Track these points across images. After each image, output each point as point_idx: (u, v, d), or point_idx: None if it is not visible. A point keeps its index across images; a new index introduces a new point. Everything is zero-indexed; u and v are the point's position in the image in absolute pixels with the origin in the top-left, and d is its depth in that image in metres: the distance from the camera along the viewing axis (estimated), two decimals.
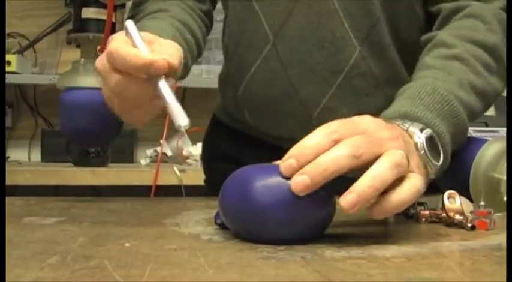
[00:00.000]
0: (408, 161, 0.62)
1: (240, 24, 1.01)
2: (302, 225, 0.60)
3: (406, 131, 0.69)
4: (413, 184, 0.61)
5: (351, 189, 0.58)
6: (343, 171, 0.59)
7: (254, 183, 0.61)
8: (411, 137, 0.69)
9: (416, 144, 0.68)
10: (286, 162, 0.60)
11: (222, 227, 0.68)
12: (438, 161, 0.70)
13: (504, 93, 0.93)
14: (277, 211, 0.59)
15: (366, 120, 0.65)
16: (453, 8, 0.93)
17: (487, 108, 0.89)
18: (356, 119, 0.64)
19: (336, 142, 0.60)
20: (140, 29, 0.77)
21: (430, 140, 0.70)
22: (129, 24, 0.75)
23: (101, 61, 0.76)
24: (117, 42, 0.73)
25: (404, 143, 0.65)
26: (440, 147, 0.72)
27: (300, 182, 0.58)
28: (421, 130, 0.70)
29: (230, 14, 1.06)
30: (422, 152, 0.68)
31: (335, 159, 0.58)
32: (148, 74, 0.72)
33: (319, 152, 0.59)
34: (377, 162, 0.60)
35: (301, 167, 0.59)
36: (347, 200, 0.58)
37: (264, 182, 0.60)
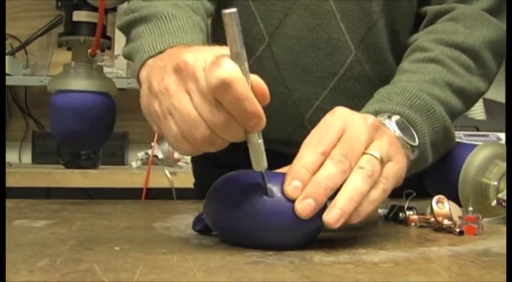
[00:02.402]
0: (382, 159, 0.65)
1: None
2: (298, 233, 0.61)
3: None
4: (382, 188, 0.64)
5: (333, 205, 0.61)
6: (338, 186, 0.61)
7: (252, 191, 0.61)
8: (383, 125, 0.72)
9: (388, 128, 0.72)
10: (292, 185, 0.61)
11: (201, 233, 0.68)
12: (414, 142, 0.74)
13: (499, 99, 0.94)
14: (276, 219, 0.60)
15: (339, 117, 0.67)
16: (437, 10, 0.94)
17: (468, 106, 0.90)
18: (330, 119, 0.67)
19: (324, 155, 0.62)
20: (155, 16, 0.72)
21: (400, 125, 0.74)
22: (234, 16, 0.57)
23: (190, 80, 0.59)
24: (236, 72, 0.56)
25: (377, 129, 0.68)
26: (412, 129, 0.76)
27: (306, 206, 0.60)
28: (389, 117, 0.74)
29: None
30: (397, 133, 0.72)
31: (330, 178, 0.61)
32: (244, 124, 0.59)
33: (313, 170, 0.61)
34: (353, 175, 0.62)
35: (304, 188, 0.61)
36: (331, 216, 0.60)
37: (263, 190, 0.61)
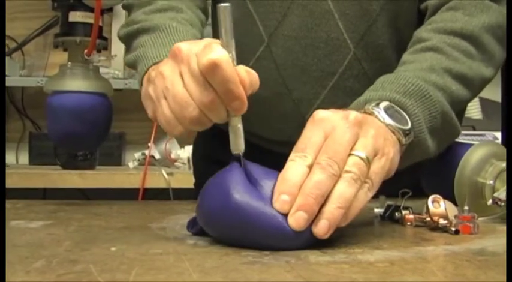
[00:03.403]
0: (368, 158, 0.64)
1: (234, 24, 1.01)
2: (296, 239, 0.60)
3: (364, 111, 0.72)
4: (367, 187, 0.64)
5: (320, 216, 0.61)
6: (328, 191, 0.61)
7: (245, 196, 0.61)
8: (371, 114, 0.72)
9: (376, 116, 0.71)
10: (280, 200, 0.61)
11: (195, 234, 0.67)
12: (406, 125, 0.73)
13: (495, 98, 0.92)
14: (274, 226, 0.60)
15: (319, 124, 0.66)
16: (438, 3, 0.93)
17: (474, 93, 0.88)
18: (310, 130, 0.66)
19: (310, 167, 0.62)
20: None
21: (389, 110, 0.73)
22: (228, 9, 0.65)
23: (187, 65, 0.66)
24: (225, 56, 0.64)
25: (360, 124, 0.67)
26: (403, 113, 0.74)
27: (299, 219, 0.60)
28: (377, 104, 0.73)
29: None
30: (386, 120, 0.71)
31: (319, 185, 0.61)
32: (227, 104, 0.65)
33: (301, 182, 0.62)
34: (339, 180, 0.62)
35: (293, 200, 0.61)
36: (320, 227, 0.61)
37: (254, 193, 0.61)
